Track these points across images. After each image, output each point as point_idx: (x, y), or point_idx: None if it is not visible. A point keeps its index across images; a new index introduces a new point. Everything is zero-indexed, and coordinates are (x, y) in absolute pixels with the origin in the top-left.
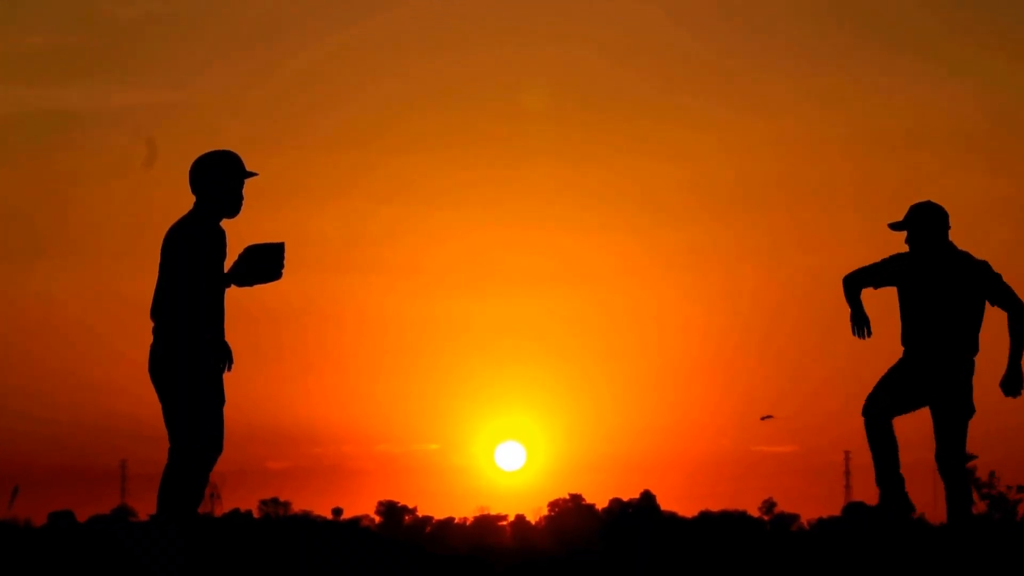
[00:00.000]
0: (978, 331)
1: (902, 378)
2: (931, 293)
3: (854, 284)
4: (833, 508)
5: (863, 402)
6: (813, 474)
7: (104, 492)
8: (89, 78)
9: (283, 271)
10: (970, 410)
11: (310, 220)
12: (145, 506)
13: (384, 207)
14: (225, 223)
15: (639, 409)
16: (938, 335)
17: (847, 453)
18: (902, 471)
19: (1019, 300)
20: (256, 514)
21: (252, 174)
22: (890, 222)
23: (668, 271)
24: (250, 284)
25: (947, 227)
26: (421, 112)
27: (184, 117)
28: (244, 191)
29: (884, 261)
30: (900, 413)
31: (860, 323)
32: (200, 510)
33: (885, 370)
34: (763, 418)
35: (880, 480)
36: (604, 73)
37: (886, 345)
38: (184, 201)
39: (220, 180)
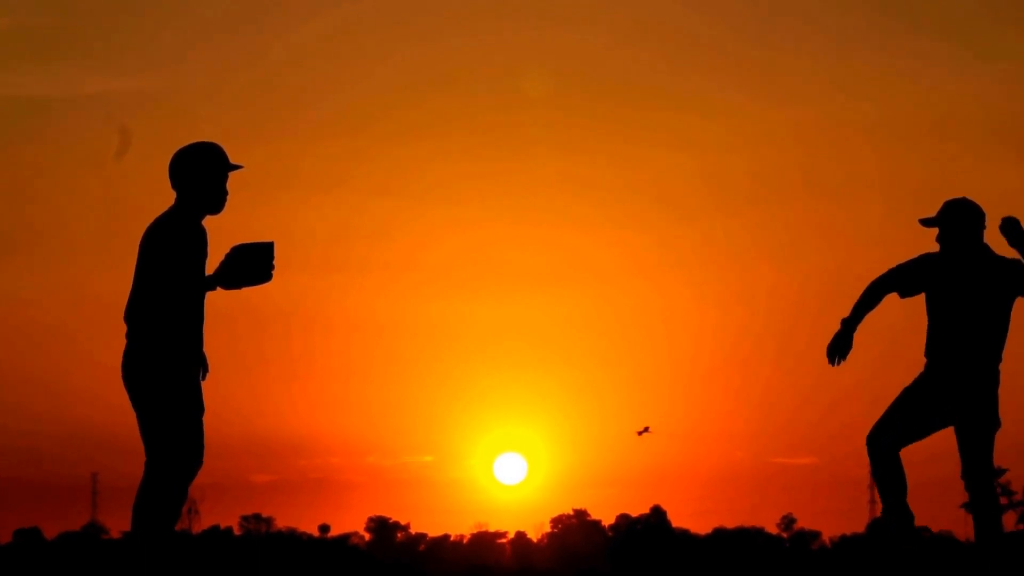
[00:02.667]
0: (1004, 341)
1: (920, 399)
2: (961, 299)
3: (878, 288)
4: (857, 525)
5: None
6: (835, 488)
7: (73, 507)
8: (58, 62)
9: (273, 272)
10: (997, 424)
11: (296, 215)
12: (117, 522)
13: (375, 201)
14: (205, 220)
15: (648, 418)
16: (966, 345)
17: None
18: (913, 496)
19: None
20: (237, 531)
21: (237, 167)
22: (921, 218)
23: (679, 270)
24: (238, 287)
25: (982, 227)
26: (415, 100)
27: (160, 105)
28: (227, 185)
29: (913, 261)
30: (913, 441)
31: (840, 348)
32: (176, 527)
33: (910, 378)
34: (640, 432)
35: (889, 514)
36: (610, 57)
37: (914, 353)
38: (160, 194)
39: (203, 174)
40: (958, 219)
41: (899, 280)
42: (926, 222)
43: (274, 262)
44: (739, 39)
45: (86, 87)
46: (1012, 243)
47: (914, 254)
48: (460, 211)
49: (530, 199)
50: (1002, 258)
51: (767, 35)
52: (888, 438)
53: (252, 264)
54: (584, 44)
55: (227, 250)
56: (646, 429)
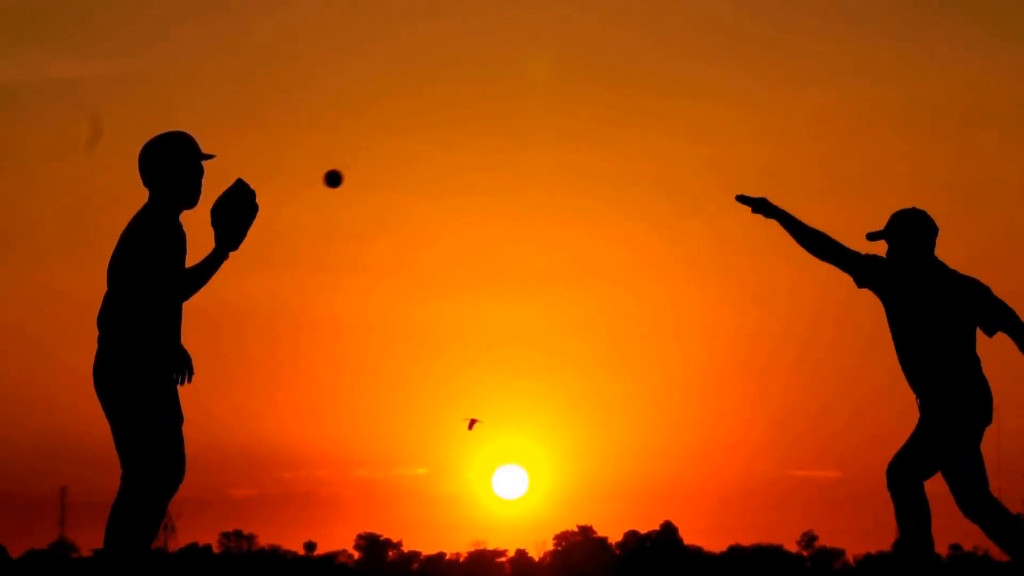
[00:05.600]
0: (960, 357)
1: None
2: (913, 317)
3: (835, 247)
4: (883, 542)
5: (906, 424)
6: (860, 503)
7: (40, 523)
8: (24, 46)
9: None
10: (973, 441)
11: (280, 210)
12: (88, 539)
13: (365, 195)
14: (181, 216)
15: (658, 428)
16: (921, 366)
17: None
18: (941, 510)
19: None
20: (216, 549)
21: (209, 156)
22: (869, 232)
23: (691, 268)
24: (241, 237)
25: (933, 239)
26: (407, 86)
27: (133, 90)
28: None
29: (867, 257)
30: (935, 471)
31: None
32: (151, 544)
33: None
34: (470, 425)
35: (908, 544)
36: (618, 40)
37: None
38: (135, 187)
39: (176, 167)
40: (907, 232)
41: (854, 267)
42: (873, 236)
43: (251, 189)
44: (755, 21)
45: (53, 71)
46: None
47: (941, 250)
48: (456, 205)
49: (531, 192)
50: (956, 274)
51: (785, 16)
52: (909, 470)
53: (238, 209)
54: (590, 25)
55: (207, 248)
56: (474, 421)
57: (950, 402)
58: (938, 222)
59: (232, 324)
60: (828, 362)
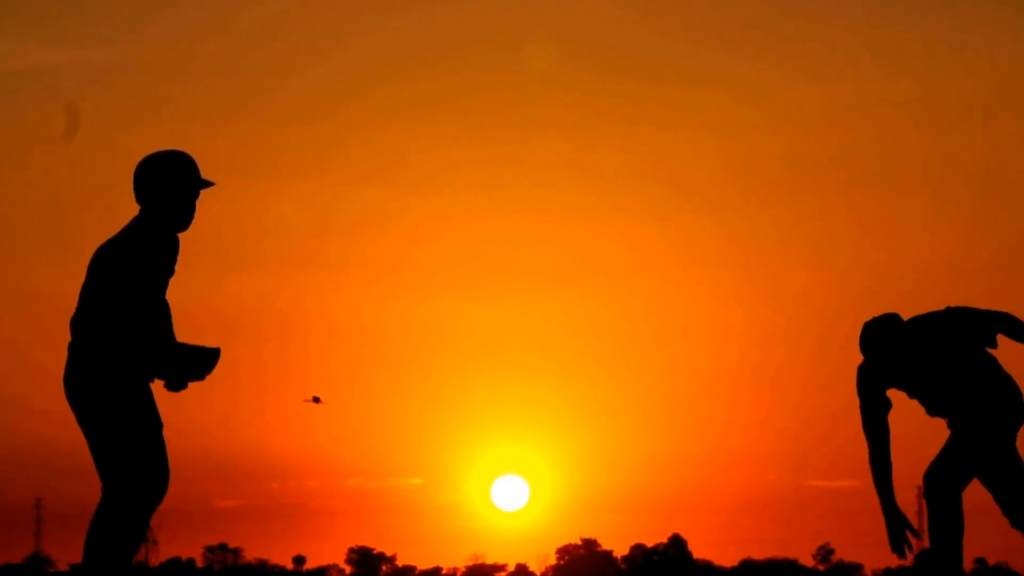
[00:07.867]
0: (983, 377)
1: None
2: (925, 374)
3: (878, 419)
4: None
5: (935, 430)
6: (878, 514)
7: (15, 536)
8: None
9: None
10: (995, 449)
11: (268, 206)
12: (65, 553)
13: (358, 191)
14: None
15: (666, 435)
16: (953, 405)
17: (920, 489)
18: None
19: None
20: (200, 563)
21: (208, 183)
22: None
23: (700, 267)
24: (180, 386)
25: (901, 334)
26: (402, 76)
27: (113, 80)
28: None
29: (870, 375)
30: (974, 477)
31: (900, 536)
32: (133, 559)
33: None
34: (315, 400)
35: (940, 557)
36: (622, 28)
37: None
38: (113, 181)
39: (174, 189)
40: (880, 342)
41: (882, 400)
42: (887, 351)
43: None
44: (765, 8)
45: (29, 60)
46: None
47: (960, 244)
48: (454, 201)
49: (532, 188)
50: (928, 318)
51: (796, 3)
52: (947, 478)
53: (197, 365)
54: (594, 13)
55: (201, 253)
56: (316, 399)
57: (973, 411)
58: (958, 214)
59: (217, 325)
60: (844, 365)
